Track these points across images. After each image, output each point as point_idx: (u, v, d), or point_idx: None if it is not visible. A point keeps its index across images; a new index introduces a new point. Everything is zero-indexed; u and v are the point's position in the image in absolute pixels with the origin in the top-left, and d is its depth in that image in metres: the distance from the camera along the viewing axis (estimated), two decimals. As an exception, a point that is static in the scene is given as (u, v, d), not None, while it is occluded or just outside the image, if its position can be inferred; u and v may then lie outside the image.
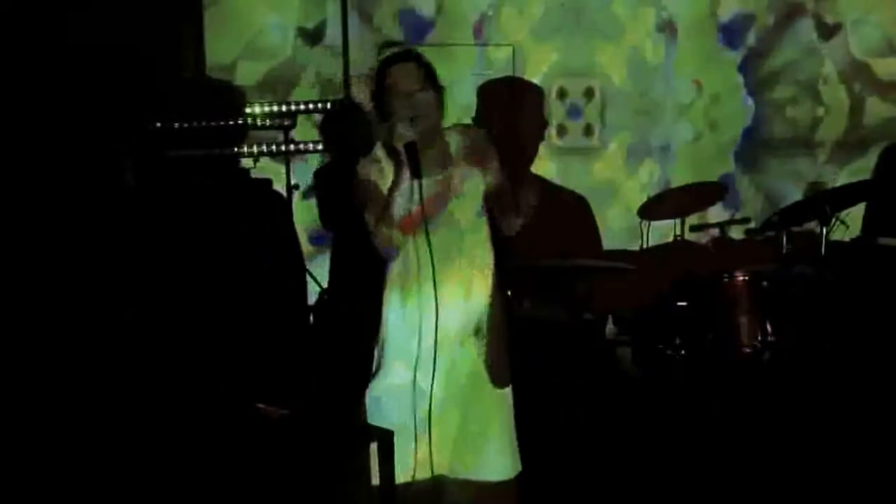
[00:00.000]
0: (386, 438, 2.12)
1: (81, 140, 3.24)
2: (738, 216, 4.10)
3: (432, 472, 2.21)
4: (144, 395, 2.35)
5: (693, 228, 4.01)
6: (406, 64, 2.20)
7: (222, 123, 3.72)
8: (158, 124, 3.57)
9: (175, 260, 3.09)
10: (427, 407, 2.22)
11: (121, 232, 3.05)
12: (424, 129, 2.17)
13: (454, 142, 2.30)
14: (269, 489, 1.97)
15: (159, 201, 3.27)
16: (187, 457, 1.98)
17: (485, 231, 2.29)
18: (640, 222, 3.95)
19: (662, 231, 3.97)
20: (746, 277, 3.04)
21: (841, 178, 4.09)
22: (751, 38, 4.13)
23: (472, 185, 2.27)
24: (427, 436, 2.19)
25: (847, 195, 3.23)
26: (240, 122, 3.72)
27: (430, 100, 2.20)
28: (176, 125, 3.61)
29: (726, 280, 3.03)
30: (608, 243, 4.07)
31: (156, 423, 2.13)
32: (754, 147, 4.18)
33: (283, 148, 3.76)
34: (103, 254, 2.99)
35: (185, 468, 1.94)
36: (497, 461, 2.25)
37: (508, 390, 2.31)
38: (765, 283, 3.09)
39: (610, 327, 3.52)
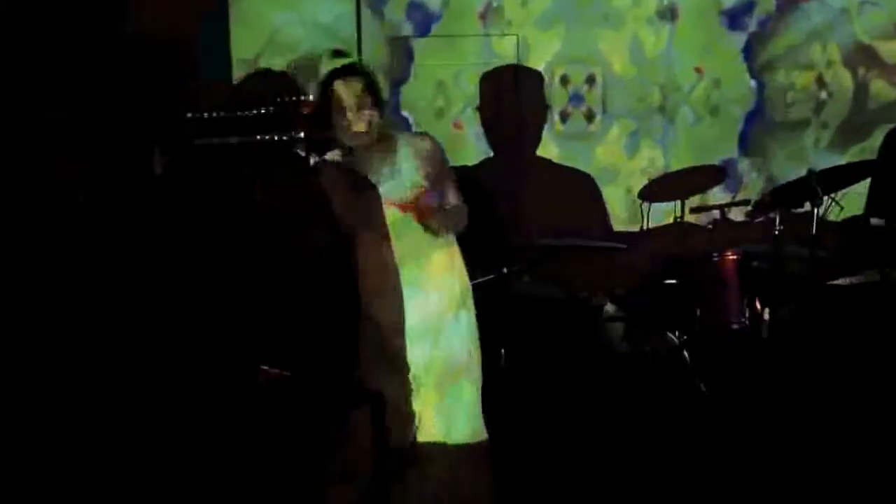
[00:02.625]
0: (378, 402, 2.31)
1: (113, 130, 3.48)
2: (738, 198, 4.19)
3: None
4: (156, 359, 2.58)
5: (693, 210, 4.12)
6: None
7: (254, 112, 3.95)
8: (190, 114, 3.80)
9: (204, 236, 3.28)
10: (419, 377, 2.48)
11: (149, 216, 3.28)
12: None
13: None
14: (269, 448, 2.17)
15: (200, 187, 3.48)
16: (189, 418, 2.19)
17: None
18: (641, 204, 4.08)
19: (663, 213, 4.09)
20: (735, 256, 3.16)
21: (844, 160, 4.13)
22: (754, 22, 4.20)
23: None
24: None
25: (839, 176, 3.32)
26: (267, 110, 3.93)
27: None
28: (206, 115, 3.85)
29: (715, 259, 3.16)
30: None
31: (161, 383, 2.35)
32: (756, 130, 4.24)
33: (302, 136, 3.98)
34: (133, 236, 3.22)
35: (187, 428, 2.15)
36: (468, 427, 2.50)
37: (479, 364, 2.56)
38: (755, 263, 3.21)
39: (609, 306, 3.66)
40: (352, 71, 2.54)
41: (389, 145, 2.57)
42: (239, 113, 3.85)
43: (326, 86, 2.52)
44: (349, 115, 2.49)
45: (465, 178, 3.82)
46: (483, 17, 4.16)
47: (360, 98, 2.49)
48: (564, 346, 3.18)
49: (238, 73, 4.18)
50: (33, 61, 3.29)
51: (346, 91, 2.48)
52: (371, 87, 2.53)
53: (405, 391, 2.45)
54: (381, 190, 2.53)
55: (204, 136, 3.70)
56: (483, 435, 2.54)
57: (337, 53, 2.62)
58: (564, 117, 4.21)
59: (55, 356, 2.75)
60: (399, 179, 2.54)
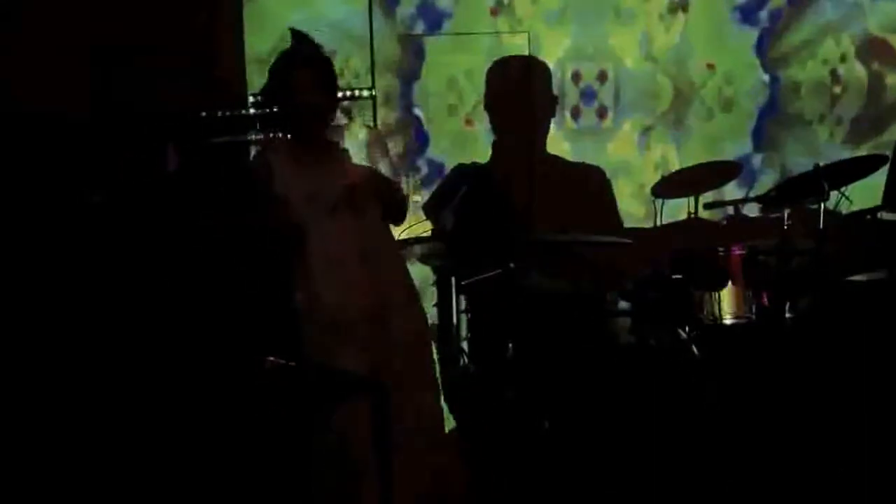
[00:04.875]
0: (380, 390, 2.35)
1: (128, 127, 3.56)
2: (752, 194, 4.17)
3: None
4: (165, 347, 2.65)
5: (707, 206, 4.11)
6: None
7: (268, 111, 4.02)
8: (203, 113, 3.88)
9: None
10: None
11: (162, 212, 3.35)
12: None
13: None
14: (272, 435, 2.22)
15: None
16: (196, 405, 2.24)
17: None
18: (654, 200, 4.08)
19: (676, 209, 4.09)
20: (741, 251, 3.16)
21: (860, 155, 4.10)
22: (766, 17, 4.18)
23: None
24: None
25: (847, 170, 3.30)
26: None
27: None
28: (220, 113, 3.92)
29: (721, 254, 3.16)
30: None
31: (169, 371, 2.41)
32: (770, 126, 4.23)
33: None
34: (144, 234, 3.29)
35: (194, 415, 2.20)
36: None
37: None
38: (761, 258, 3.20)
39: (621, 303, 3.66)
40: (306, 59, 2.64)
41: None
42: (254, 111, 3.92)
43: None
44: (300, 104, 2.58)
45: (477, 173, 3.87)
46: (495, 14, 4.19)
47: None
48: (571, 339, 3.20)
49: (251, 71, 4.25)
50: (48, 60, 3.38)
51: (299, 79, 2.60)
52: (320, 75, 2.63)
53: None
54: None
55: (220, 135, 3.78)
56: (448, 422, 2.59)
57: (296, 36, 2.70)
58: (576, 114, 4.22)
59: (68, 349, 2.82)
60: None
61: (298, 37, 2.74)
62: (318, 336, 2.52)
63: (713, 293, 3.11)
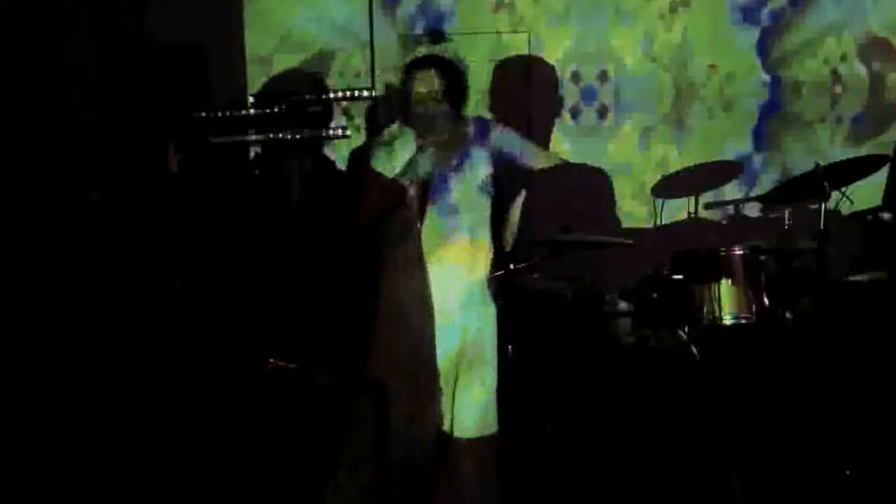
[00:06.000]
0: (380, 391, 2.35)
1: (132, 128, 3.57)
2: (752, 194, 4.17)
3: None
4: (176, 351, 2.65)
5: (707, 206, 4.12)
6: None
7: (267, 111, 4.03)
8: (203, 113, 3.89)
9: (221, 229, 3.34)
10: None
11: (169, 212, 3.36)
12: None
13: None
14: (278, 434, 2.23)
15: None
16: (203, 406, 2.25)
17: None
18: (654, 200, 4.09)
19: (676, 209, 4.09)
20: (742, 251, 3.16)
21: (861, 154, 4.09)
22: (767, 17, 4.18)
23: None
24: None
25: (848, 170, 3.30)
26: (281, 108, 4.00)
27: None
28: (220, 114, 3.93)
29: (722, 253, 3.16)
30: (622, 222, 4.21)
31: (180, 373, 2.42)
32: (771, 125, 4.23)
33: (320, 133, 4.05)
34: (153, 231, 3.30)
35: (202, 416, 2.21)
36: (475, 421, 2.52)
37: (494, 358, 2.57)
38: (762, 258, 3.20)
39: (622, 304, 3.67)
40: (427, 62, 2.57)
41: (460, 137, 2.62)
42: (253, 111, 3.93)
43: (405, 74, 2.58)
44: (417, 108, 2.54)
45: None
46: (495, 13, 4.18)
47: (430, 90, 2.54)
48: (572, 340, 3.20)
49: (252, 71, 4.26)
50: (50, 61, 3.38)
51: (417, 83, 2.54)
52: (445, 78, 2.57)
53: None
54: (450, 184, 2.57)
55: (220, 135, 3.78)
56: (493, 428, 2.57)
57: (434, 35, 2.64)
58: (576, 114, 4.23)
59: (70, 349, 2.83)
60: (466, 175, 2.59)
61: (433, 34, 2.71)
62: (403, 330, 2.44)
63: (713, 293, 3.10)
